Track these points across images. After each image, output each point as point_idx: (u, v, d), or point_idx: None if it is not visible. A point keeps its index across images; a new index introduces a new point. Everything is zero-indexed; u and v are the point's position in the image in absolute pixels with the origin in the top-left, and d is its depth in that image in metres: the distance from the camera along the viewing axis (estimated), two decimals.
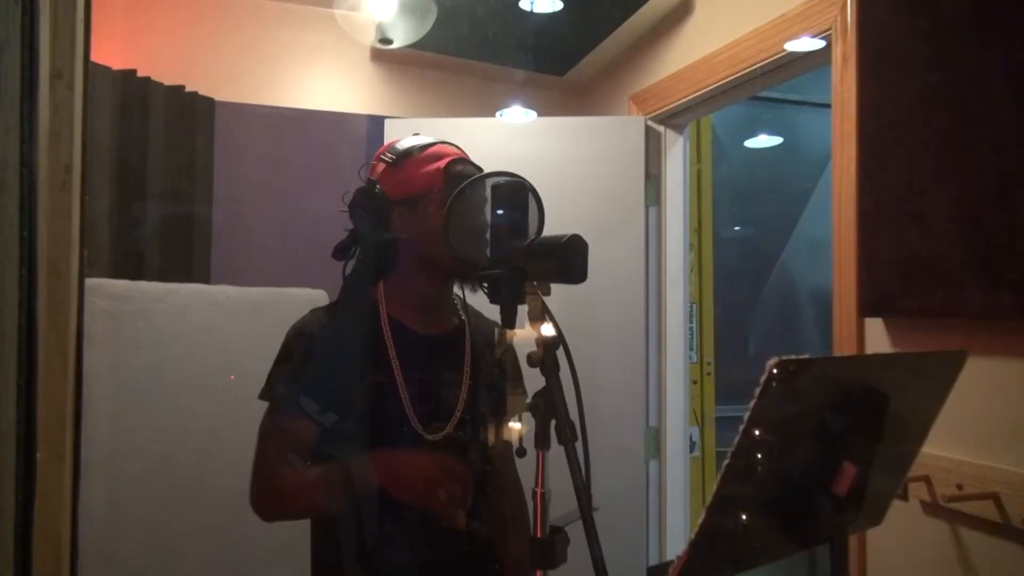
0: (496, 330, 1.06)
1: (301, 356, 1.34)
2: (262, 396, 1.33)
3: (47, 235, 0.48)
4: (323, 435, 1.31)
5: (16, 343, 0.47)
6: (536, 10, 2.39)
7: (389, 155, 1.38)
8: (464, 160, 1.40)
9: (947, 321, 1.45)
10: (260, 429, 1.32)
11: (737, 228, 4.42)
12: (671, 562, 0.82)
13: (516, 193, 1.13)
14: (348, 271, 1.42)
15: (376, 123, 2.70)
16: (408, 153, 1.37)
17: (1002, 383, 1.37)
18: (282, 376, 1.34)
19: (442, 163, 1.36)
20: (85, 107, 0.51)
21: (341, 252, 1.41)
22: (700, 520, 0.81)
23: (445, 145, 1.41)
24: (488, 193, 1.14)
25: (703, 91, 2.30)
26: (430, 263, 1.36)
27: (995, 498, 1.33)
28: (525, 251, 1.05)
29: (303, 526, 1.39)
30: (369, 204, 1.36)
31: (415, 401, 1.31)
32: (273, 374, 1.35)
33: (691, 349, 2.98)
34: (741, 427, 0.81)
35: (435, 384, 1.34)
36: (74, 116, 0.48)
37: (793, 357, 0.81)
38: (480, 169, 1.40)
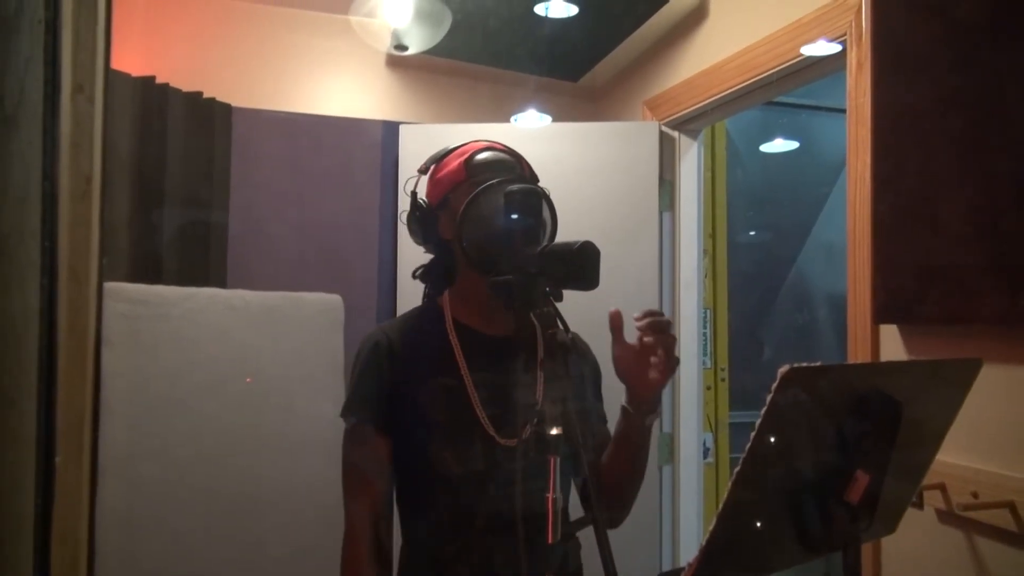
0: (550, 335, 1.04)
1: (366, 369, 1.31)
2: (343, 414, 1.32)
3: (68, 243, 0.49)
4: (399, 444, 1.28)
5: (37, 350, 0.48)
6: (551, 16, 2.39)
7: (425, 164, 1.39)
8: (491, 148, 1.36)
9: (963, 328, 1.44)
10: (342, 451, 1.31)
11: (752, 233, 4.39)
12: (682, 569, 0.82)
13: (529, 199, 1.14)
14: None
15: (391, 129, 2.72)
16: (438, 157, 1.37)
17: (1019, 391, 1.36)
18: (356, 393, 1.32)
19: (465, 154, 1.34)
20: (105, 118, 0.52)
21: (422, 275, 1.40)
22: (711, 527, 0.81)
23: (478, 142, 1.38)
24: (501, 199, 1.14)
25: (717, 96, 2.30)
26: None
27: (1011, 507, 1.32)
28: (538, 257, 1.05)
29: (319, 531, 1.40)
30: (415, 216, 1.36)
31: (486, 403, 1.27)
32: (349, 392, 1.33)
33: (705, 355, 2.97)
34: (753, 434, 0.81)
35: (507, 385, 1.29)
36: (94, 128, 0.49)
37: (806, 364, 0.81)
38: (516, 155, 1.37)
